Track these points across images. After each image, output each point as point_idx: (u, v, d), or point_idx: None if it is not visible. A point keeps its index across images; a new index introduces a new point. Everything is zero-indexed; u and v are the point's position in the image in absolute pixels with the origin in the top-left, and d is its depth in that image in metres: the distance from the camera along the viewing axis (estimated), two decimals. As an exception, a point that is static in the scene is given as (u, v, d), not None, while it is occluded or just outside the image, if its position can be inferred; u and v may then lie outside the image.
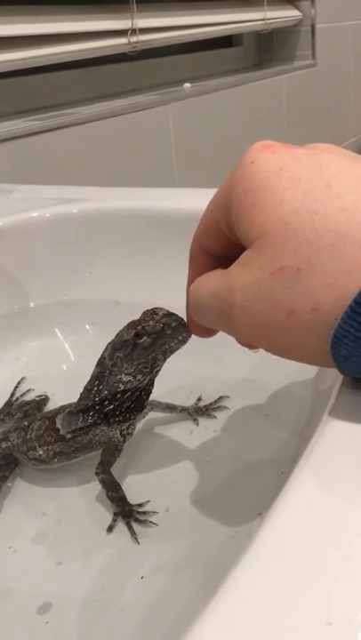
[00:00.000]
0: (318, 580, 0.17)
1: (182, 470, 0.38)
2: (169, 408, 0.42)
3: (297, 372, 0.41)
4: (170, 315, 0.34)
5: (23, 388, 0.48)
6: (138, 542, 0.33)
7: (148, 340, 0.34)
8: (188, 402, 0.43)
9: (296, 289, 0.22)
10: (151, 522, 0.34)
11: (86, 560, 0.33)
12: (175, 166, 1.08)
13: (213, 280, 0.27)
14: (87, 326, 0.55)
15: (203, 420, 0.42)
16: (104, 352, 0.37)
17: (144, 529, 0.34)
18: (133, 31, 0.98)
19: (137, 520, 0.34)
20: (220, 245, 0.28)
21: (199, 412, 0.43)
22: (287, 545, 0.18)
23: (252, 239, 0.24)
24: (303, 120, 1.53)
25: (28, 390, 0.48)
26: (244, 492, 0.36)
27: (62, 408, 0.40)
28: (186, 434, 0.41)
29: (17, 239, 0.55)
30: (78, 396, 0.38)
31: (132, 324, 0.35)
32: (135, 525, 0.34)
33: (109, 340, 0.36)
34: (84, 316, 0.56)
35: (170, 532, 0.34)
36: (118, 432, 0.38)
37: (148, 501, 0.36)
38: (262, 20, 1.34)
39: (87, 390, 0.38)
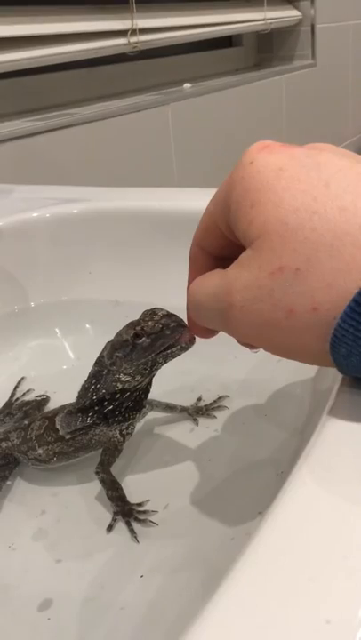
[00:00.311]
0: (318, 579, 0.17)
1: (182, 470, 0.38)
2: (169, 408, 0.43)
3: (296, 372, 0.41)
4: (169, 315, 0.34)
5: (23, 387, 0.48)
6: (137, 541, 0.33)
7: (148, 340, 0.34)
8: (188, 402, 0.44)
9: (295, 289, 0.22)
10: (151, 521, 0.34)
11: (86, 558, 0.33)
12: (175, 166, 1.08)
13: (212, 280, 0.27)
14: (87, 326, 0.55)
15: (203, 420, 0.42)
16: (103, 351, 0.37)
17: (144, 528, 0.34)
18: (133, 31, 0.98)
19: (137, 519, 0.34)
20: (220, 246, 0.28)
21: (199, 411, 0.43)
22: (287, 544, 0.19)
23: (252, 239, 0.24)
24: (303, 120, 1.53)
25: (28, 390, 0.48)
26: (244, 492, 0.36)
27: (62, 408, 0.40)
28: (186, 434, 0.41)
29: (17, 239, 0.55)
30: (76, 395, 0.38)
31: (132, 325, 0.35)
32: (135, 524, 0.34)
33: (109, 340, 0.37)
34: (84, 315, 0.56)
35: (169, 531, 0.34)
36: (118, 432, 0.38)
37: (148, 500, 0.36)
38: (262, 20, 1.34)
39: (85, 389, 0.38)
